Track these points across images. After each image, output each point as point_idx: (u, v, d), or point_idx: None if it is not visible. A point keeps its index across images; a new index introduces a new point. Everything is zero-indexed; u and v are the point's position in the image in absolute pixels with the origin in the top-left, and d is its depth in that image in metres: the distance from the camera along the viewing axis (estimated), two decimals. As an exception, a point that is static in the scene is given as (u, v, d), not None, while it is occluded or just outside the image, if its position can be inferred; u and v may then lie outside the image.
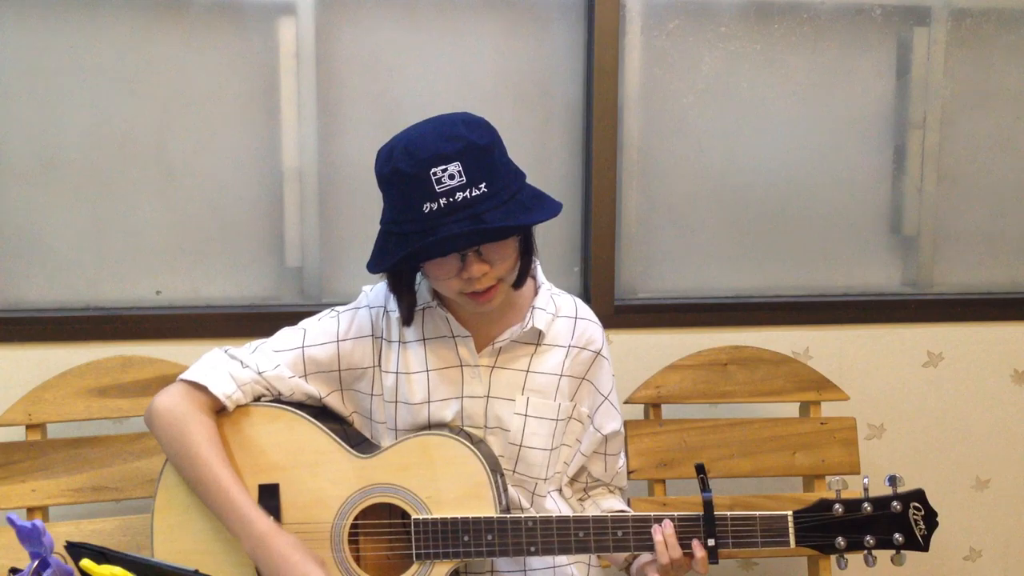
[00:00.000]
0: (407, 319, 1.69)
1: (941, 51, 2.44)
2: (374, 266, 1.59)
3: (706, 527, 1.58)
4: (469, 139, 1.50)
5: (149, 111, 2.21)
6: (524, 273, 1.65)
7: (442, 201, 1.48)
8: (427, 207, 1.48)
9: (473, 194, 1.48)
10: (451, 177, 1.48)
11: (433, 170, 1.47)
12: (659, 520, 1.59)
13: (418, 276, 1.70)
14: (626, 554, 1.68)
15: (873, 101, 2.45)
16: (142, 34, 2.19)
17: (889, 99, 2.46)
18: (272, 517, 1.58)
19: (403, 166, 1.49)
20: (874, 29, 2.43)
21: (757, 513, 1.58)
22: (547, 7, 2.32)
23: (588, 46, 2.30)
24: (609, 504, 1.80)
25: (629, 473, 2.07)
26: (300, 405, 1.68)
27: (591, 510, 1.80)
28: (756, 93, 2.40)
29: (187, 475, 1.61)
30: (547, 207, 1.56)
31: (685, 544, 1.57)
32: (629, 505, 1.86)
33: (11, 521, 1.33)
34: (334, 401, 1.72)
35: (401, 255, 1.52)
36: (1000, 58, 2.48)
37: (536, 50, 2.33)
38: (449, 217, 1.48)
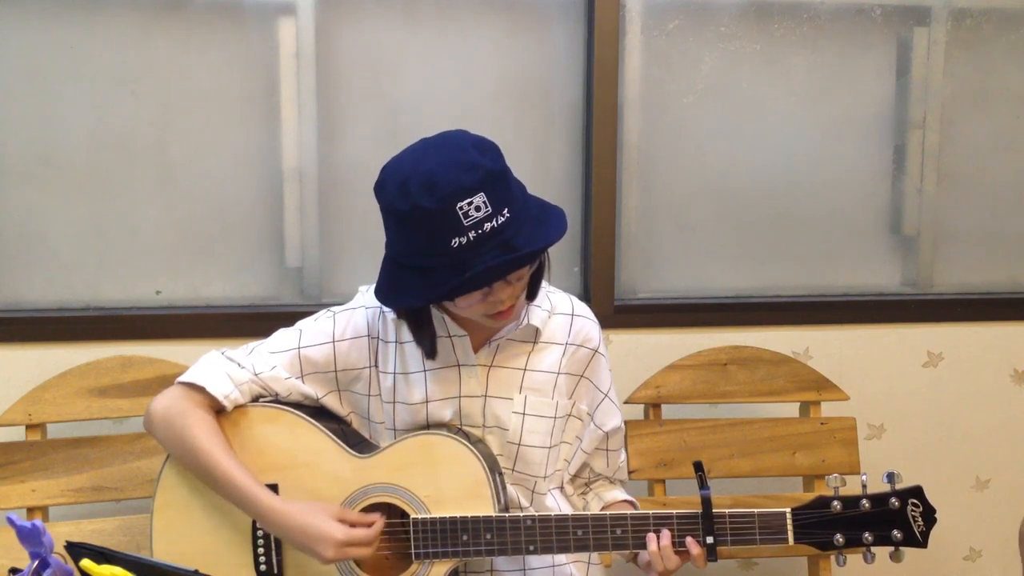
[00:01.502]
0: (431, 352, 1.66)
1: (941, 51, 2.44)
2: (396, 302, 1.57)
3: (704, 524, 1.58)
4: (486, 167, 1.46)
5: (149, 111, 2.21)
6: (537, 284, 1.65)
7: (471, 235, 1.45)
8: (455, 242, 1.45)
9: (499, 222, 1.46)
10: (477, 209, 1.44)
11: (459, 204, 1.44)
12: (658, 520, 1.59)
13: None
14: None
15: (873, 101, 2.45)
16: (142, 34, 2.19)
17: (889, 99, 2.46)
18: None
19: (425, 203, 1.44)
20: (874, 29, 2.43)
21: (755, 510, 1.58)
22: (547, 7, 2.32)
23: (588, 46, 2.30)
24: (612, 495, 1.81)
25: (629, 473, 2.07)
26: (298, 405, 1.68)
27: (593, 503, 1.80)
28: (756, 93, 2.40)
29: (193, 469, 1.61)
30: (555, 216, 1.56)
31: (680, 543, 1.58)
32: (631, 496, 1.86)
33: (11, 521, 1.33)
34: (331, 402, 1.72)
35: (440, 292, 1.49)
36: (1000, 58, 2.48)
37: (536, 50, 2.33)
38: (480, 248, 1.45)
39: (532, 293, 1.66)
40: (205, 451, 1.58)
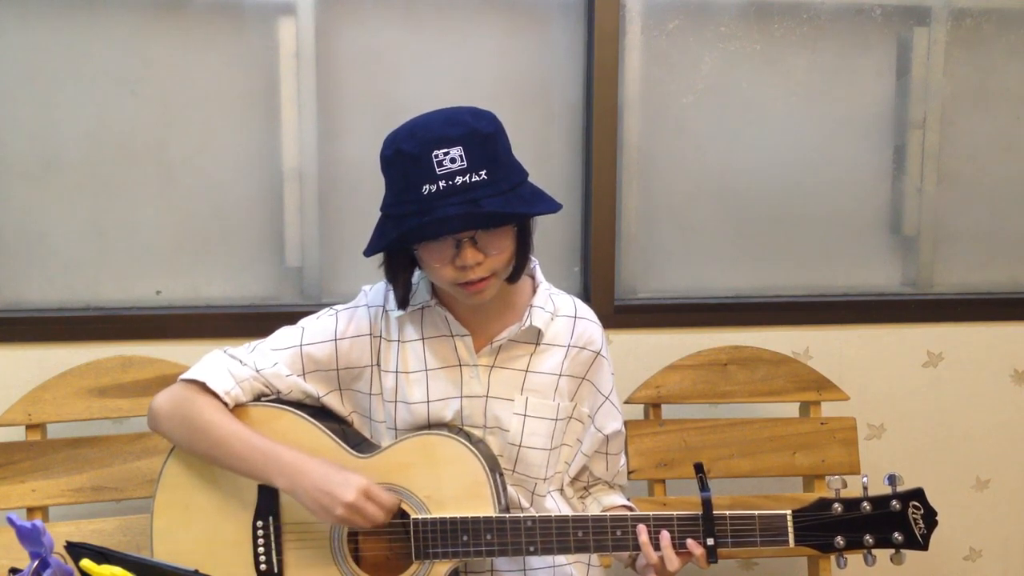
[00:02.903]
0: (402, 302, 1.68)
1: (941, 51, 2.44)
2: (369, 249, 1.59)
3: (705, 526, 1.58)
4: (473, 126, 1.51)
5: (149, 111, 2.21)
6: (519, 269, 1.65)
7: (441, 184, 1.48)
8: (426, 189, 1.49)
9: (472, 179, 1.49)
10: (452, 161, 1.48)
11: (435, 152, 1.48)
12: (658, 521, 1.59)
13: (417, 274, 1.70)
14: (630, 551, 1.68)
15: (873, 101, 2.45)
16: (142, 34, 2.19)
17: (889, 99, 2.46)
18: (268, 520, 1.60)
19: (406, 147, 1.50)
20: (874, 29, 2.43)
21: (756, 512, 1.58)
22: (547, 7, 2.32)
23: (588, 46, 2.30)
24: (611, 500, 1.80)
25: (629, 473, 2.07)
26: (300, 405, 1.68)
27: (592, 507, 1.80)
28: (756, 93, 2.40)
29: (203, 446, 1.60)
30: (546, 203, 1.57)
31: (681, 544, 1.58)
32: (629, 501, 1.86)
33: (11, 521, 1.34)
34: (332, 401, 1.72)
35: (396, 235, 1.53)
36: (1000, 58, 2.48)
37: (536, 50, 2.33)
38: (446, 199, 1.48)
39: (514, 275, 1.65)
40: (216, 423, 1.59)
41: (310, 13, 2.22)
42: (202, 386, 1.63)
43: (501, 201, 1.50)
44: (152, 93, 2.21)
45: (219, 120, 2.24)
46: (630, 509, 1.80)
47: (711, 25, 2.36)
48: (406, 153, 1.50)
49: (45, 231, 2.21)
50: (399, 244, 1.57)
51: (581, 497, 1.83)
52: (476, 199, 1.49)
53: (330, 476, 1.53)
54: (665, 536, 1.58)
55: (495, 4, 2.30)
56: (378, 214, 1.59)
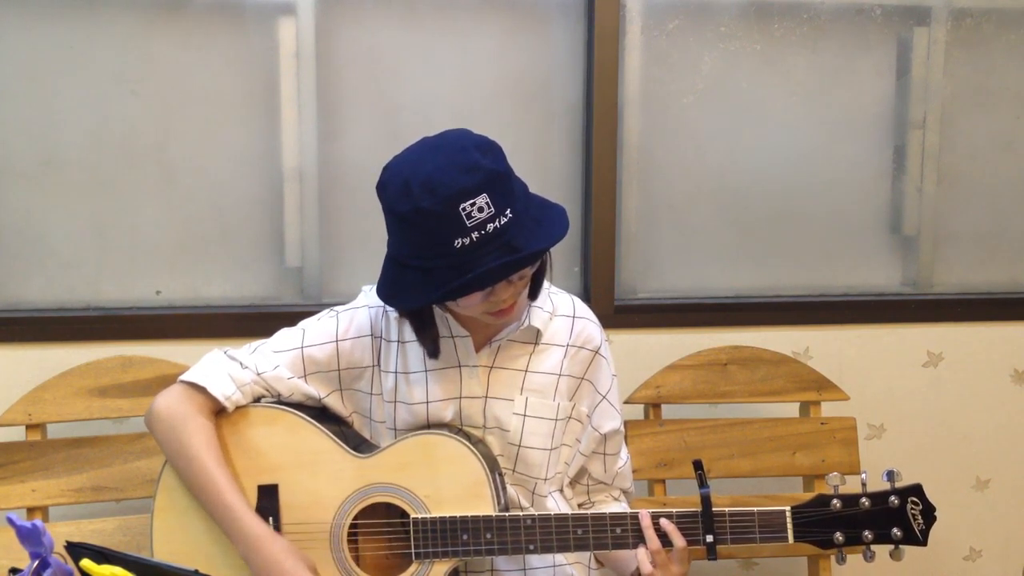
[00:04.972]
0: (434, 352, 1.66)
1: (941, 51, 2.44)
2: (399, 302, 1.57)
3: (704, 522, 1.58)
4: (488, 167, 1.46)
5: (149, 111, 2.21)
6: (539, 283, 1.65)
7: (474, 235, 1.45)
8: (458, 242, 1.45)
9: (501, 223, 1.46)
10: (480, 210, 1.44)
11: (462, 206, 1.44)
12: (656, 518, 1.59)
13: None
14: (631, 572, 1.67)
15: (873, 101, 2.45)
16: (142, 34, 2.19)
17: (889, 99, 2.46)
18: (268, 521, 1.59)
19: (427, 205, 1.44)
20: (874, 29, 2.43)
21: (755, 509, 1.58)
22: (547, 7, 2.32)
23: (588, 46, 2.30)
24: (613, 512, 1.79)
25: (630, 473, 2.07)
26: (300, 406, 1.68)
27: None
28: (756, 93, 2.40)
29: (185, 477, 1.61)
30: (557, 215, 1.56)
31: (668, 543, 1.58)
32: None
33: (11, 521, 1.33)
34: (333, 401, 1.72)
35: (441, 293, 1.49)
36: (1000, 58, 2.48)
37: (536, 50, 2.33)
38: (483, 250, 1.46)
39: (534, 292, 1.66)
40: (200, 466, 1.58)
41: (310, 13, 2.22)
42: (202, 391, 1.63)
43: (529, 235, 1.49)
44: (153, 93, 2.21)
45: (219, 120, 2.24)
46: None
47: (711, 25, 2.36)
48: (429, 211, 1.44)
49: (45, 231, 2.21)
50: (443, 300, 1.55)
51: (580, 504, 1.82)
52: (509, 242, 1.46)
53: (285, 572, 1.52)
54: (667, 522, 1.57)
55: (495, 4, 2.30)
56: (379, 217, 1.56)
